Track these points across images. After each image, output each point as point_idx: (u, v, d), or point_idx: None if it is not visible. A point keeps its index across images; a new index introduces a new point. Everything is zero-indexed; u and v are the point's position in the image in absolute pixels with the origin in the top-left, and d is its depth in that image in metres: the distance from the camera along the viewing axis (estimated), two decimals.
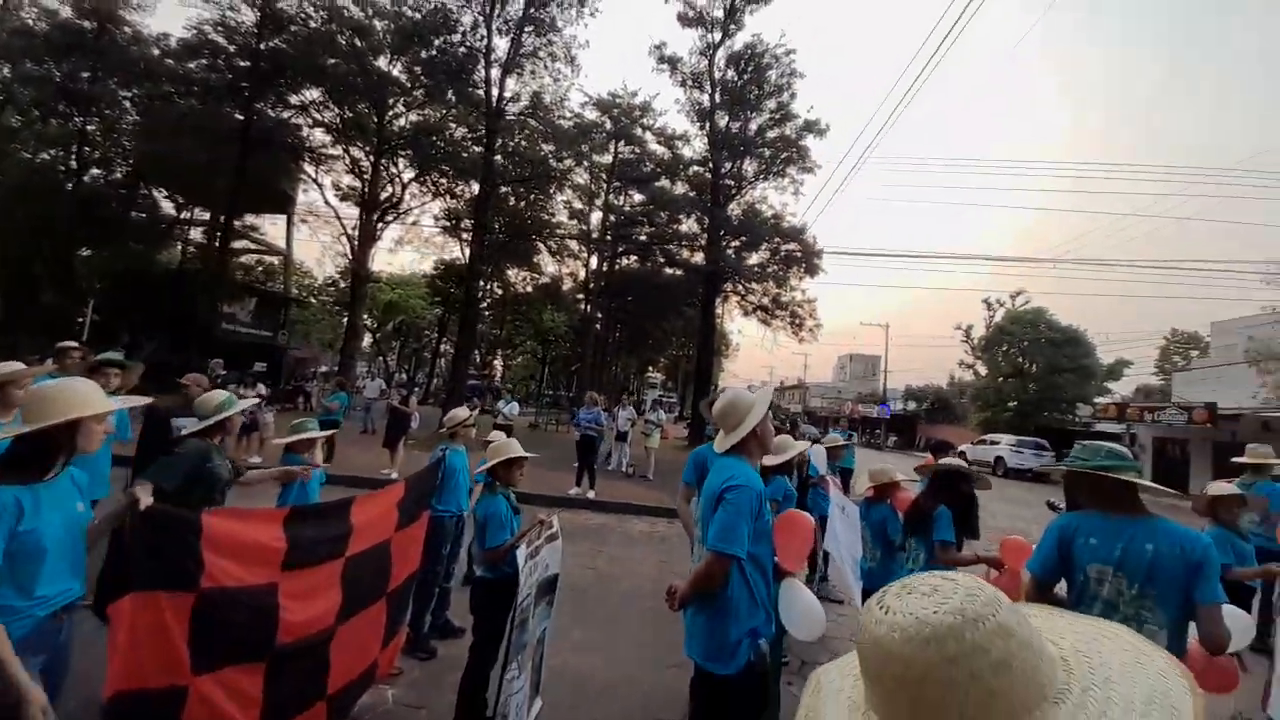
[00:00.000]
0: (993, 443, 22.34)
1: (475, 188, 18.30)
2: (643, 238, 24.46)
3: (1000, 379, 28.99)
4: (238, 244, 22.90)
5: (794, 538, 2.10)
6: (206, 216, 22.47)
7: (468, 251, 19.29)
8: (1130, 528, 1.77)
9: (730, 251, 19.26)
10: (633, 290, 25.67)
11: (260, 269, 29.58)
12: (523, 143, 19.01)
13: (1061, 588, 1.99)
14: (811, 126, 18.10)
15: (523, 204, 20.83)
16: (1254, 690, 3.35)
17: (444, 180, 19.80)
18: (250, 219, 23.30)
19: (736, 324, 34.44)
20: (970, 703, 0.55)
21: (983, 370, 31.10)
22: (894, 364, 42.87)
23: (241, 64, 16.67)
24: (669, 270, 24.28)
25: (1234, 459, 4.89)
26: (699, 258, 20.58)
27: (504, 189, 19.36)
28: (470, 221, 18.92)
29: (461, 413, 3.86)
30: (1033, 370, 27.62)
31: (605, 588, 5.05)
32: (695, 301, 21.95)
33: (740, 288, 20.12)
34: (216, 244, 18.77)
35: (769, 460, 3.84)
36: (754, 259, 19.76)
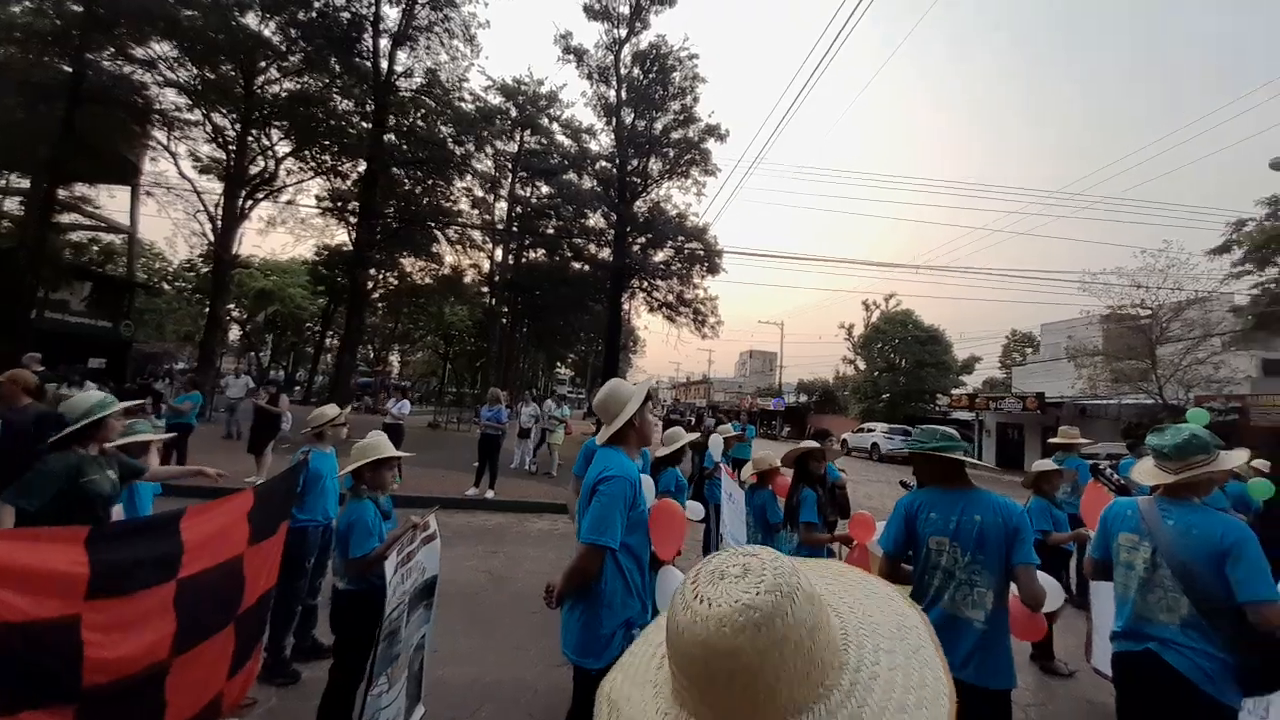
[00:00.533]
0: (869, 430, 24.80)
1: (363, 167, 16.91)
2: (550, 231, 24.01)
3: (876, 373, 32.07)
4: (66, 218, 19.33)
5: (668, 526, 2.15)
6: (26, 185, 18.71)
7: (354, 236, 17.76)
8: (961, 501, 2.00)
9: (636, 248, 19.48)
10: (540, 285, 25.16)
11: (97, 249, 25.21)
12: (419, 122, 17.83)
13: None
14: (713, 131, 18.77)
15: (419, 189, 19.54)
16: (1077, 644, 3.95)
17: (327, 157, 18.00)
18: (83, 189, 19.76)
19: (643, 320, 35.04)
20: (796, 676, 0.55)
21: (862, 365, 34.21)
22: (789, 360, 45.81)
23: (74, 7, 14.06)
24: (577, 265, 24.08)
25: (1049, 440, 5.76)
26: (606, 253, 20.62)
27: (396, 171, 18.07)
28: (358, 204, 17.44)
29: (329, 410, 3.51)
30: (902, 365, 30.84)
31: (499, 589, 4.89)
32: (603, 297, 21.98)
33: (646, 284, 20.43)
34: (38, 216, 15.68)
35: (660, 451, 3.93)
36: (659, 256, 20.15)
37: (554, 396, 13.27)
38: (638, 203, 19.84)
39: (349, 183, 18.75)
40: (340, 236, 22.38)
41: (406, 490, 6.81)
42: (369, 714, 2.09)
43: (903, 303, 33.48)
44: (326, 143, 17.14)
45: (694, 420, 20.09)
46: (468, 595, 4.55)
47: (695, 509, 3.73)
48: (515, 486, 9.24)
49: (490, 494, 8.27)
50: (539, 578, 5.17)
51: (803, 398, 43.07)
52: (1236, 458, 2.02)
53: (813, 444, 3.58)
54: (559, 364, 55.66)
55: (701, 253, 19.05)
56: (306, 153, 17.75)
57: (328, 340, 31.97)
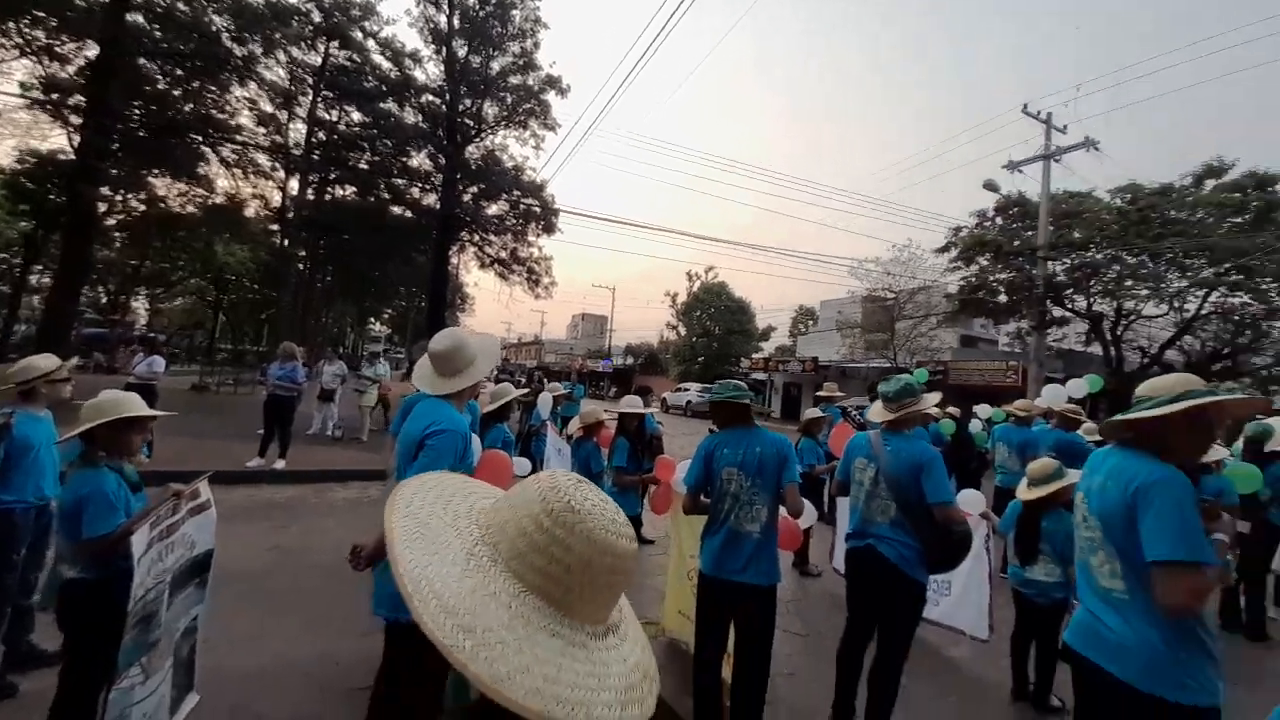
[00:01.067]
0: (685, 390, 27.86)
1: (94, 51, 12.76)
2: (364, 166, 20.99)
3: (694, 339, 35.19)
4: None
5: (495, 479, 2.16)
6: None
7: (79, 142, 13.43)
8: (747, 438, 2.39)
9: (468, 198, 18.16)
10: (348, 227, 22.01)
11: None
12: (180, 4, 13.91)
13: None
14: (554, 82, 18.10)
15: (178, 90, 15.41)
16: (825, 551, 4.93)
17: (40, 33, 13.08)
18: None
19: (473, 276, 33.11)
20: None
21: (683, 331, 37.16)
22: (619, 324, 47.50)
23: None
24: (397, 210, 21.58)
25: (816, 394, 7.04)
26: (433, 200, 18.83)
27: (145, 63, 14.02)
28: (84, 99, 13.15)
29: (40, 362, 2.71)
30: (716, 332, 34.35)
31: (291, 564, 4.39)
32: (427, 248, 20.16)
33: (478, 238, 19.28)
34: None
35: (489, 406, 3.86)
36: (493, 209, 19.08)
37: (370, 356, 11.96)
38: (470, 148, 18.38)
39: (71, 70, 13.97)
40: (57, 140, 16.77)
41: (160, 464, 5.59)
42: (115, 710, 1.77)
43: (720, 275, 36.98)
44: (38, 13, 12.40)
45: (524, 380, 19.84)
46: (254, 574, 4.01)
47: (522, 464, 3.77)
48: (314, 454, 8.22)
49: (280, 464, 7.19)
50: (343, 548, 4.77)
51: (630, 360, 45.39)
52: (932, 399, 2.71)
53: (636, 400, 3.85)
54: (372, 320, 49.98)
55: (538, 209, 18.50)
56: (8, 25, 12.61)
57: (35, 278, 24.08)
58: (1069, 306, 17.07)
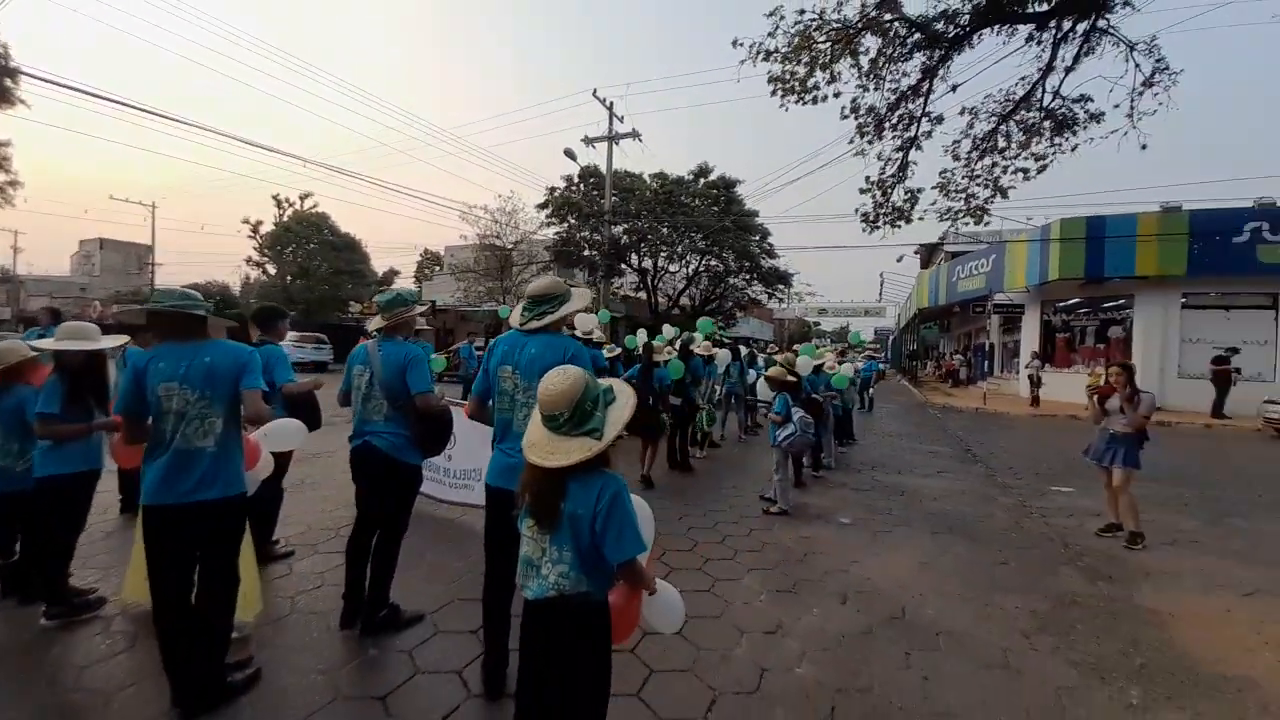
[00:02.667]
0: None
1: None
2: None
3: (288, 278, 29.49)
4: None
5: None
6: None
7: None
8: (193, 350, 2.21)
9: None
10: None
11: None
12: None
13: None
14: None
15: None
16: None
17: None
18: None
19: None
20: None
21: (272, 270, 30.58)
22: (170, 255, 35.32)
23: None
24: None
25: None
26: None
27: None
28: None
29: None
30: (323, 271, 29.62)
31: None
32: None
33: None
34: None
35: None
36: None
37: None
38: None
39: None
40: None
41: None
42: None
43: (320, 205, 31.57)
44: None
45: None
46: None
47: None
48: None
49: None
50: None
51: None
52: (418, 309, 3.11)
53: (84, 328, 3.03)
54: None
55: None
56: None
57: None
58: (629, 263, 22.09)
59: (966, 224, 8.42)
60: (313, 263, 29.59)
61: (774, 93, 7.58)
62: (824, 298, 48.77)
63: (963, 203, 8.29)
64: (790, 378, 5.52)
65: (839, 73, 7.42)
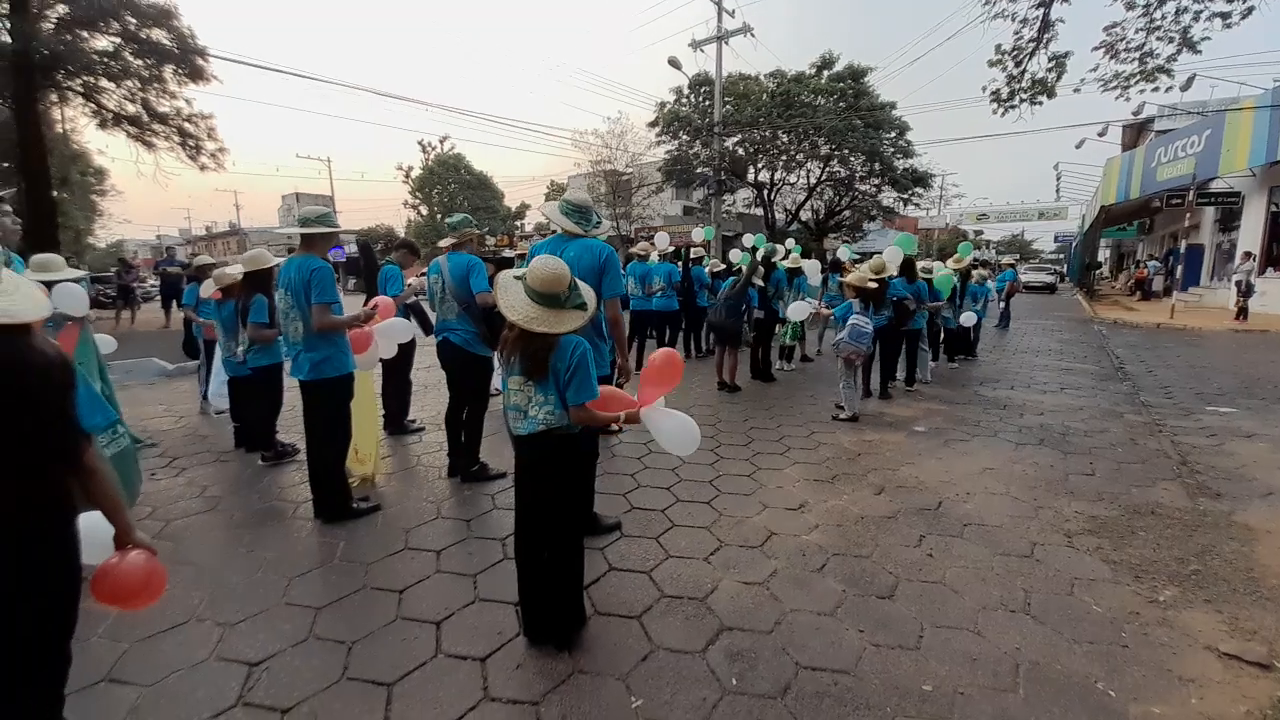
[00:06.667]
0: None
1: None
2: None
3: (438, 217, 32.93)
4: None
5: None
6: None
7: None
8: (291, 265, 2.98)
9: (51, 28, 12.83)
10: None
11: None
12: None
13: None
14: None
15: None
16: None
17: None
18: None
19: (94, 139, 24.24)
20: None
21: (424, 211, 34.29)
22: (344, 204, 41.16)
23: None
24: None
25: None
26: None
27: None
28: None
29: None
30: (465, 208, 32.67)
31: None
32: (5, 96, 14.00)
33: (82, 83, 14.10)
34: None
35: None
36: (102, 43, 13.88)
37: None
38: None
39: None
40: None
41: None
42: None
43: (456, 146, 34.18)
44: None
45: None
46: None
47: None
48: None
49: None
50: None
51: (352, 249, 40.41)
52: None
53: (261, 253, 4.05)
54: None
55: (171, 46, 14.09)
56: None
57: None
58: (744, 178, 21.06)
59: (1141, 90, 6.81)
60: (455, 201, 32.60)
61: None
62: (986, 200, 42.05)
63: (1136, 63, 6.69)
64: (871, 283, 5.31)
65: None
